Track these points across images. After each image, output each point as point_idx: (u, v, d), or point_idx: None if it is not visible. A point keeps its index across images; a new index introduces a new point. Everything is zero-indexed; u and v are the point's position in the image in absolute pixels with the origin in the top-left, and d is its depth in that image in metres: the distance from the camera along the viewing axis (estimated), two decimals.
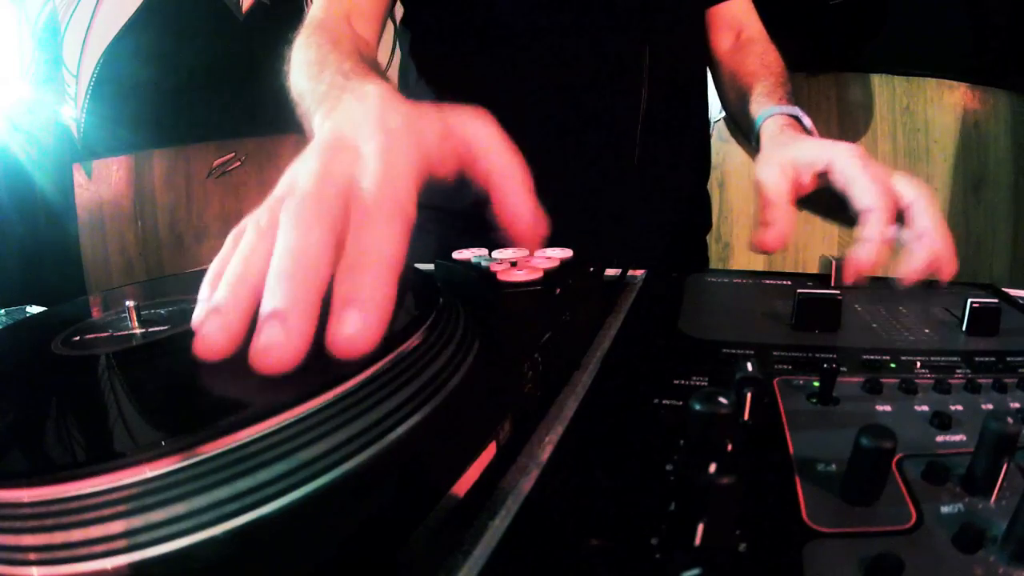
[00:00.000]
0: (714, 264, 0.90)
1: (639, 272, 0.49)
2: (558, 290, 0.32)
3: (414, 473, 0.19)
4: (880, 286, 0.44)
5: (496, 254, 0.37)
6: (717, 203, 1.70)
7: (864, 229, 0.43)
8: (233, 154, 1.96)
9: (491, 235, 0.32)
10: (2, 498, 0.15)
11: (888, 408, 0.25)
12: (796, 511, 0.19)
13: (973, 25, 1.50)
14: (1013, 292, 0.44)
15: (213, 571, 0.15)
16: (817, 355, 0.31)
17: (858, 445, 0.19)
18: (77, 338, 0.26)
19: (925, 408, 0.25)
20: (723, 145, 1.67)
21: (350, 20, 0.59)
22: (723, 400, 0.19)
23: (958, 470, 0.20)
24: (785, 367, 0.30)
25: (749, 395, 0.24)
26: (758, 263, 1.79)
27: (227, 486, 0.16)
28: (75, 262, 1.93)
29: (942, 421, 0.24)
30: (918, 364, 0.30)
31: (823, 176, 0.48)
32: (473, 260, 0.36)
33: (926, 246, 0.42)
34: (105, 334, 0.26)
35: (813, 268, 0.48)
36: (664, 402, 0.26)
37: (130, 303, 0.27)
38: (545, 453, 0.22)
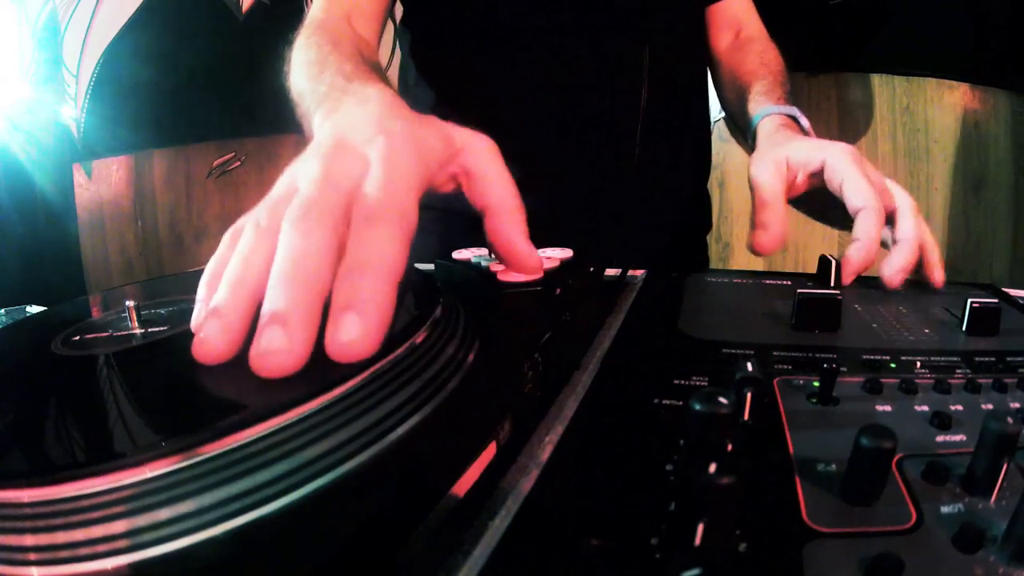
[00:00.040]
0: (714, 264, 0.90)
1: (639, 272, 0.49)
2: (558, 290, 0.32)
3: (414, 473, 0.19)
4: (880, 286, 0.44)
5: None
6: (717, 203, 1.70)
7: (858, 228, 0.43)
8: (233, 154, 1.96)
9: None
10: (2, 498, 0.15)
11: (888, 408, 0.25)
12: (796, 511, 0.19)
13: (973, 25, 1.50)
14: (1013, 292, 0.44)
15: (213, 571, 0.15)
16: (817, 355, 0.31)
17: (858, 445, 0.19)
18: (77, 338, 0.26)
19: (925, 408, 0.25)
20: (723, 145, 1.67)
21: (351, 20, 0.59)
22: (723, 400, 0.19)
23: (958, 470, 0.20)
24: (785, 367, 0.30)
25: (749, 395, 0.24)
26: (758, 263, 1.78)
27: (227, 486, 0.16)
28: (75, 262, 1.93)
29: (942, 421, 0.24)
30: (918, 364, 0.30)
31: (817, 176, 0.48)
32: (473, 260, 0.36)
33: (904, 252, 0.43)
34: (105, 334, 0.26)
35: (813, 268, 0.48)
36: (664, 402, 0.26)
37: (130, 303, 0.26)
38: (545, 453, 0.22)
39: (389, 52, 1.48)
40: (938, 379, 0.27)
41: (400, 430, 0.20)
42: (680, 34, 0.70)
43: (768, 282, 0.46)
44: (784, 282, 0.45)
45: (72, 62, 1.81)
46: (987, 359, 0.30)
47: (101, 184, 1.93)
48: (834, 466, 0.21)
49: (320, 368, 0.20)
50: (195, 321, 0.23)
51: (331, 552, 0.16)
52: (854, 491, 0.19)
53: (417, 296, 0.27)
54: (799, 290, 0.35)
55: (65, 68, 1.81)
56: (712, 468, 0.16)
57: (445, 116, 0.33)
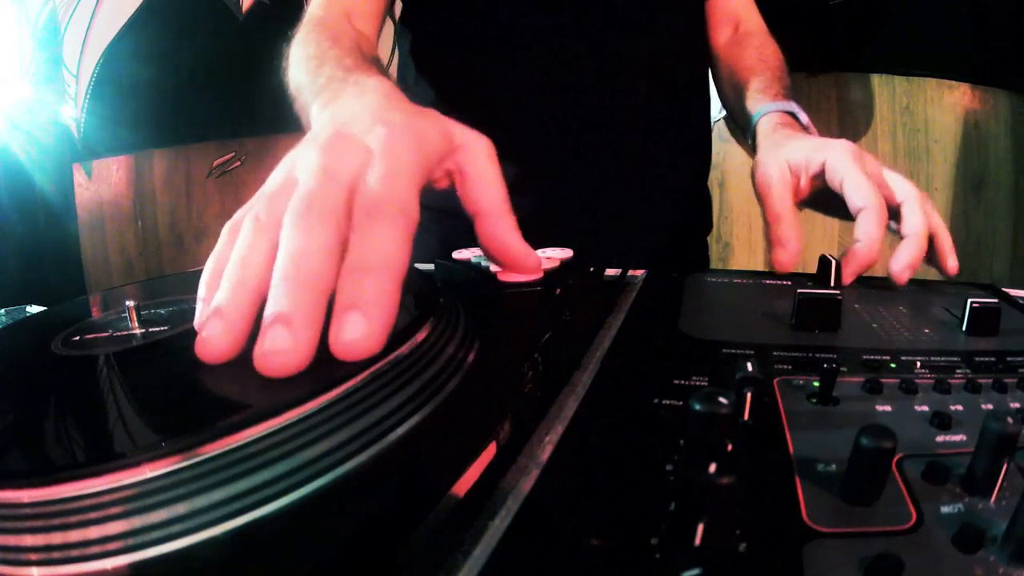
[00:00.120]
0: (714, 264, 0.90)
1: (639, 272, 0.49)
2: (558, 290, 0.32)
3: (414, 473, 0.19)
4: (880, 286, 0.44)
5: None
6: (717, 203, 1.70)
7: (859, 229, 0.43)
8: (233, 154, 1.96)
9: None
10: (2, 498, 0.15)
11: (888, 408, 0.25)
12: (796, 511, 0.19)
13: (973, 25, 1.50)
14: (1013, 292, 0.44)
15: (213, 571, 0.15)
16: (817, 355, 0.31)
17: (858, 445, 0.19)
18: (77, 338, 0.26)
19: (925, 408, 0.25)
20: (723, 145, 1.68)
21: (350, 18, 0.59)
22: (723, 400, 0.19)
23: (958, 470, 0.20)
24: (785, 367, 0.30)
25: (749, 395, 0.24)
26: (758, 263, 1.79)
27: (227, 486, 0.16)
28: (75, 262, 1.93)
29: (942, 421, 0.24)
30: (918, 364, 0.30)
31: (819, 178, 0.48)
32: (473, 260, 0.36)
33: (911, 248, 0.43)
34: (105, 334, 0.26)
35: (813, 268, 0.48)
36: (664, 402, 0.26)
37: (130, 303, 0.26)
38: (545, 453, 0.22)
39: (389, 51, 1.48)
40: (938, 379, 0.27)
41: (400, 430, 0.20)
42: (680, 34, 0.70)
43: (768, 282, 0.46)
44: (784, 282, 0.45)
45: (72, 62, 1.81)
46: (987, 359, 0.30)
47: (101, 184, 1.93)
48: (834, 466, 0.21)
49: (320, 368, 0.20)
50: (198, 320, 0.23)
51: (331, 552, 0.16)
52: (854, 491, 0.19)
53: (417, 296, 0.27)
54: (799, 290, 0.35)
55: (65, 68, 1.81)
56: (712, 468, 0.16)
57: (445, 115, 0.33)
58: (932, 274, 0.47)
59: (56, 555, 0.15)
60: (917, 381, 0.27)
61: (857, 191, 0.44)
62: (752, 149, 0.58)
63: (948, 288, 0.44)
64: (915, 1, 1.51)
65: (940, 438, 0.23)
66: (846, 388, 0.27)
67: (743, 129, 0.64)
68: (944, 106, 1.59)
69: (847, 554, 0.17)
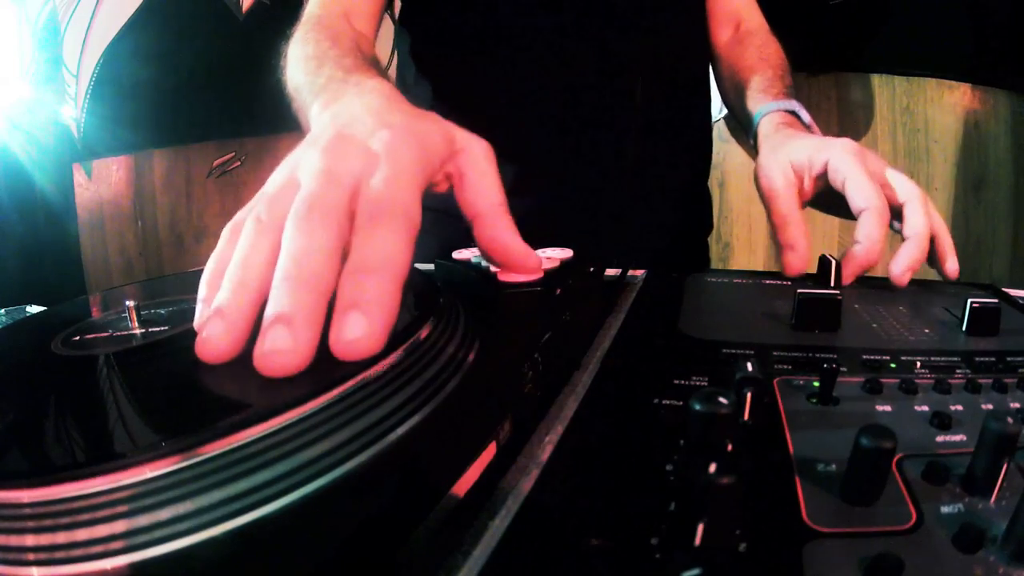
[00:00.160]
0: (714, 264, 0.90)
1: (639, 272, 0.49)
2: (558, 290, 0.32)
3: (414, 473, 0.19)
4: (880, 286, 0.44)
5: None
6: (717, 203, 1.71)
7: (860, 230, 0.43)
8: (233, 154, 1.96)
9: None
10: (2, 498, 0.15)
11: (888, 408, 0.25)
12: (796, 511, 0.19)
13: (973, 25, 1.50)
14: (1013, 292, 0.44)
15: (213, 571, 0.15)
16: (817, 355, 0.31)
17: (858, 445, 0.19)
18: (77, 338, 0.26)
19: (925, 408, 0.25)
20: (723, 145, 1.67)
21: (348, 17, 0.59)
22: (723, 400, 0.19)
23: (958, 470, 0.20)
24: (785, 367, 0.30)
25: (749, 395, 0.24)
26: (758, 263, 1.79)
27: (227, 486, 0.16)
28: (75, 262, 1.93)
29: (942, 421, 0.24)
30: (918, 364, 0.30)
31: (823, 178, 0.48)
32: (473, 260, 0.36)
33: (912, 249, 0.43)
34: (105, 334, 0.26)
35: (813, 268, 0.48)
36: (664, 402, 0.26)
37: (130, 303, 0.26)
38: (545, 453, 0.22)
39: (389, 51, 1.48)
40: (938, 379, 0.27)
41: (400, 430, 0.20)
42: (680, 33, 0.70)
43: (768, 282, 0.46)
44: (784, 282, 0.45)
45: (72, 62, 1.81)
46: (987, 359, 0.30)
47: (101, 184, 1.93)
48: (834, 466, 0.21)
49: (320, 368, 0.20)
50: (198, 321, 0.23)
51: (331, 552, 0.16)
52: (854, 491, 0.19)
53: (417, 296, 0.27)
54: (799, 290, 0.35)
55: (65, 68, 1.81)
56: (712, 468, 0.16)
57: (444, 116, 0.33)
58: (932, 274, 0.47)
59: (56, 555, 0.15)
60: (917, 381, 0.27)
61: (859, 191, 0.44)
62: (754, 149, 0.58)
63: (948, 288, 0.44)
64: (915, 1, 1.51)
65: (940, 438, 0.23)
66: (846, 388, 0.27)
67: (745, 129, 0.64)
68: (944, 106, 1.59)
69: (847, 554, 0.17)
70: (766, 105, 0.59)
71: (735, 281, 0.46)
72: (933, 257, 0.45)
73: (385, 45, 1.17)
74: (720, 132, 1.63)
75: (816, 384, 0.27)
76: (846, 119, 1.65)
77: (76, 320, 0.28)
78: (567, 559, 0.17)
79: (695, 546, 0.17)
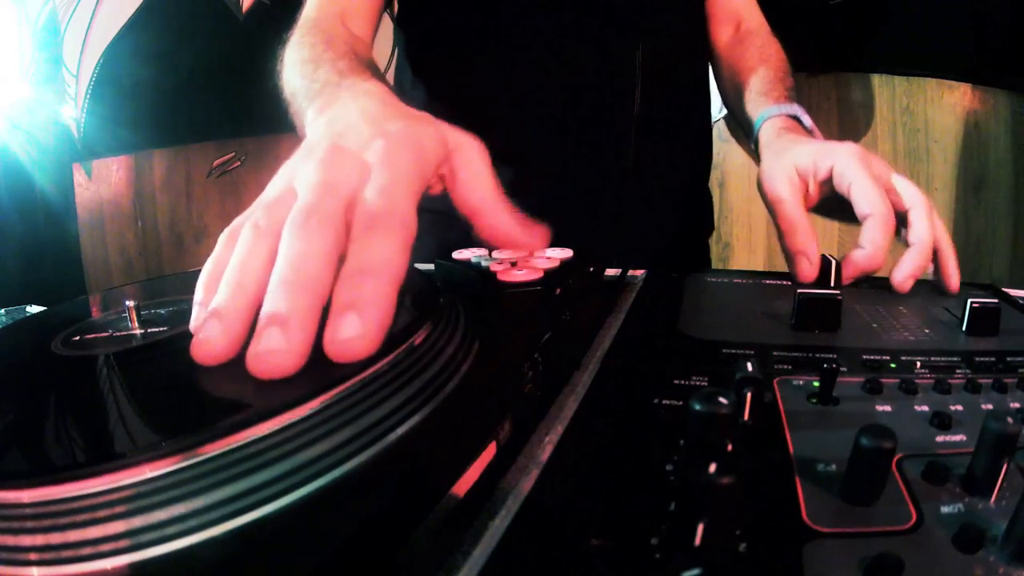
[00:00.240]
0: (714, 264, 0.90)
1: (639, 272, 0.49)
2: (558, 290, 0.32)
3: (414, 473, 0.19)
4: (880, 286, 0.44)
5: (496, 254, 0.37)
6: (717, 203, 1.71)
7: (864, 236, 0.43)
8: (233, 154, 1.96)
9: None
10: (2, 498, 0.15)
11: (888, 408, 0.25)
12: (796, 511, 0.19)
13: (973, 25, 1.50)
14: (1013, 292, 0.44)
15: (213, 571, 0.15)
16: (817, 355, 0.31)
17: (858, 445, 0.19)
18: (77, 338, 0.26)
19: (925, 408, 0.25)
20: (723, 145, 1.68)
21: (344, 20, 0.59)
22: (723, 400, 0.19)
23: (958, 470, 0.20)
24: (785, 367, 0.30)
25: (749, 395, 0.24)
26: (758, 263, 1.79)
27: (227, 486, 0.16)
28: (75, 262, 1.93)
29: (942, 421, 0.24)
30: (918, 364, 0.30)
31: (827, 183, 0.47)
32: (473, 260, 0.36)
33: (915, 257, 0.42)
34: (105, 334, 0.26)
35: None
36: (664, 402, 0.26)
37: (130, 303, 0.26)
38: (545, 453, 0.22)
39: (389, 52, 1.48)
40: (938, 379, 0.27)
41: (400, 430, 0.20)
42: (680, 34, 0.70)
43: (768, 282, 0.45)
44: (784, 282, 0.45)
45: (72, 62, 1.81)
46: (987, 359, 0.30)
47: (101, 184, 1.93)
48: (834, 466, 0.21)
49: (320, 368, 0.20)
50: (193, 323, 0.23)
51: (331, 552, 0.16)
52: (854, 491, 0.19)
53: (417, 296, 0.27)
54: (799, 290, 0.35)
55: (65, 68, 1.81)
56: (712, 468, 0.16)
57: (442, 116, 0.33)
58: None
59: (56, 555, 0.15)
60: (917, 381, 0.27)
61: (864, 197, 0.43)
62: (755, 153, 0.58)
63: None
64: (915, 1, 1.51)
65: (940, 438, 0.23)
66: (846, 388, 0.27)
67: (746, 132, 0.64)
68: (944, 106, 1.59)
69: (847, 554, 0.17)
70: (767, 109, 0.59)
71: (735, 281, 0.46)
72: (934, 268, 0.45)
73: (385, 45, 1.17)
74: (720, 132, 1.63)
75: (816, 384, 0.27)
76: (846, 119, 1.65)
77: (76, 320, 0.28)
78: (567, 559, 0.17)
79: (695, 546, 0.17)
